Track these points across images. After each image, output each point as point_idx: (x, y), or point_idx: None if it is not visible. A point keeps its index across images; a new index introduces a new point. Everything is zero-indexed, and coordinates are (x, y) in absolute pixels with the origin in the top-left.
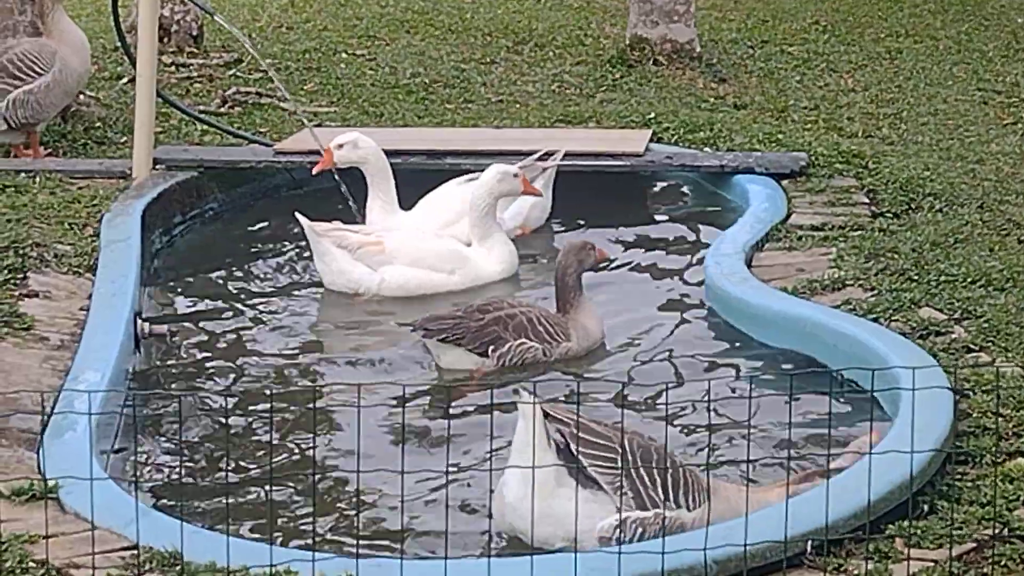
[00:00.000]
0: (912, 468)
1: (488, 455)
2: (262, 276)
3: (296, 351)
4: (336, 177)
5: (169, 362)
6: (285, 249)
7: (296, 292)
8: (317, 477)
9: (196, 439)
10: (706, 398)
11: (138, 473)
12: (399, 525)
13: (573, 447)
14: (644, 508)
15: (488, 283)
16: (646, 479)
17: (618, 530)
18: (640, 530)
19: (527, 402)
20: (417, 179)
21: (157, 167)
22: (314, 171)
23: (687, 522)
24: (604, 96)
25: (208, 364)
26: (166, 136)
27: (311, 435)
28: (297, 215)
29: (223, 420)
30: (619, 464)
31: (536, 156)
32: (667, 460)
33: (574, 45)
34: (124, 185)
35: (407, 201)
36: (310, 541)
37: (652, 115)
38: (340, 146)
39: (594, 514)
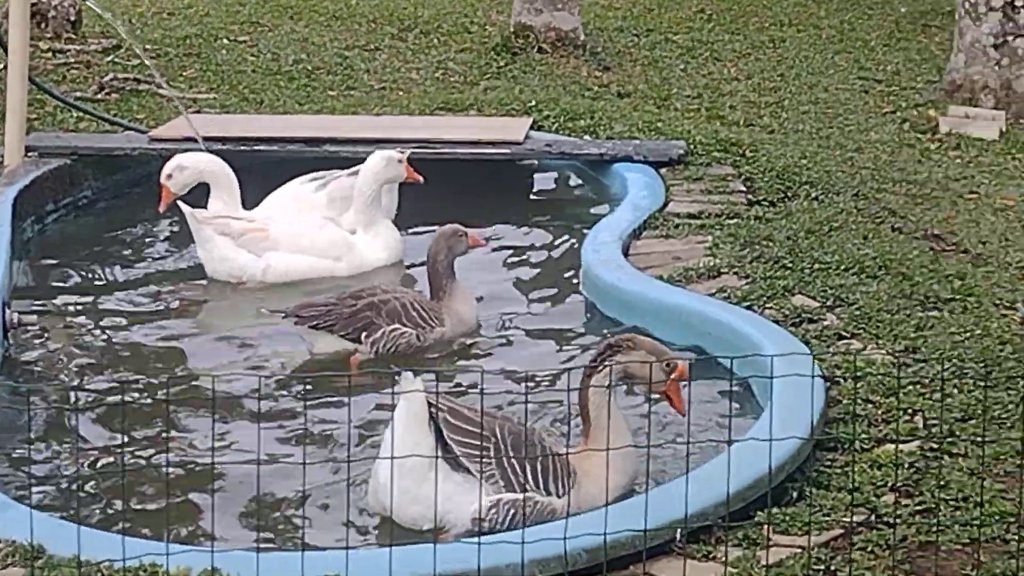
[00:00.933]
0: (773, 457)
1: (352, 439)
2: (139, 265)
3: (171, 341)
4: None
5: (38, 353)
6: (163, 237)
7: (175, 281)
8: (184, 468)
9: (66, 433)
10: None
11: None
12: (263, 517)
13: (445, 432)
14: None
15: (373, 270)
16: (516, 466)
17: (493, 511)
18: (513, 512)
19: (412, 389)
20: (296, 167)
21: (29, 154)
22: (160, 209)
23: (558, 508)
24: (488, 84)
25: (79, 355)
26: (40, 123)
27: (186, 424)
28: (179, 203)
29: (90, 412)
30: (489, 450)
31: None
32: (539, 447)
33: (459, 32)
34: None
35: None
36: (196, 534)
37: (534, 103)
38: (169, 176)
39: (467, 497)
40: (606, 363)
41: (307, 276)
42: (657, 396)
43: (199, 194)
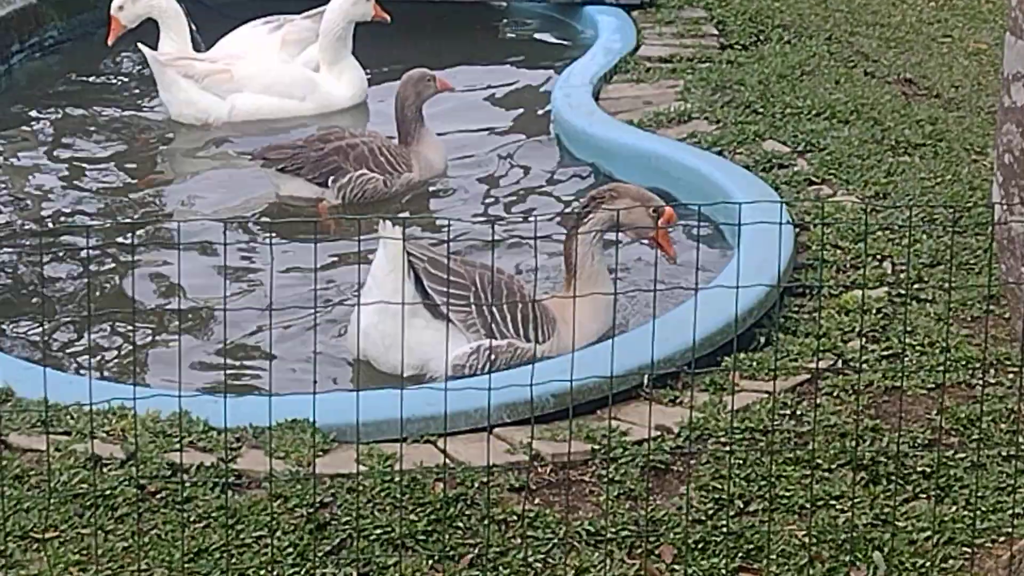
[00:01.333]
0: (740, 303)
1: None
2: (104, 108)
3: (136, 185)
4: None
5: (3, 198)
6: (128, 79)
7: (139, 124)
8: (152, 314)
9: (32, 279)
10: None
11: None
12: (233, 361)
13: (424, 281)
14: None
15: (339, 110)
16: (495, 314)
17: (473, 357)
18: (494, 358)
19: (392, 237)
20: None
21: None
22: (109, 41)
23: (539, 354)
24: None
25: (45, 199)
26: None
27: (152, 270)
28: (140, 45)
29: (56, 260)
30: (468, 299)
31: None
32: (518, 295)
33: None
34: None
35: None
36: (165, 379)
37: None
38: (120, 8)
39: (447, 344)
40: (591, 214)
41: (272, 116)
42: (646, 242)
43: (146, 31)
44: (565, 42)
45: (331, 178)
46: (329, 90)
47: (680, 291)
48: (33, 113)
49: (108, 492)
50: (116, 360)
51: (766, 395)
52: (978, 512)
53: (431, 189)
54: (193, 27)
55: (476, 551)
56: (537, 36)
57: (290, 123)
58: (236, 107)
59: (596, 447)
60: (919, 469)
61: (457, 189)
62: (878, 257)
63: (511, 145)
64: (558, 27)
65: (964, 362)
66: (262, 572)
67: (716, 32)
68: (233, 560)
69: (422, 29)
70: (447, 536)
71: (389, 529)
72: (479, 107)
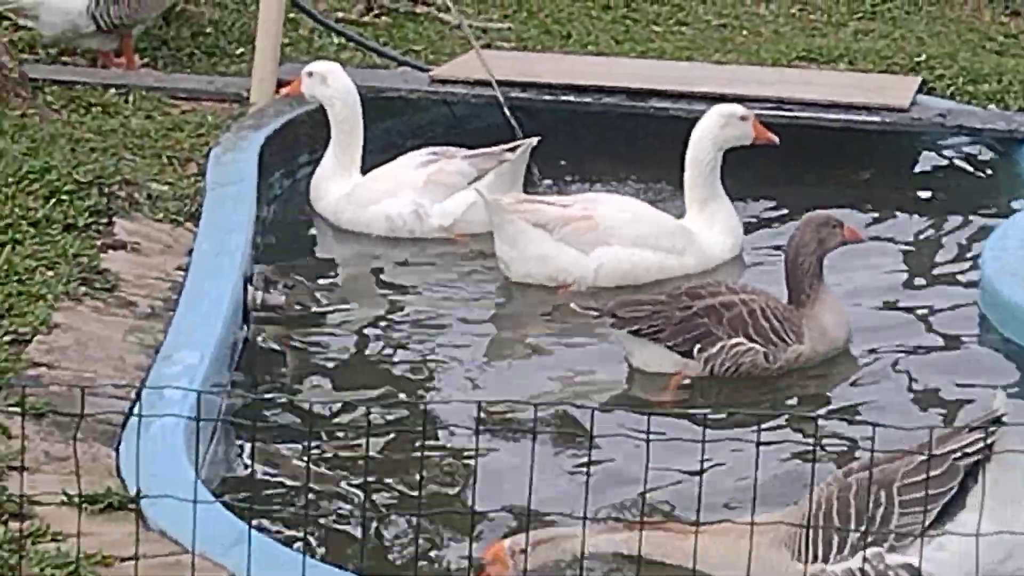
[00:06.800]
0: None
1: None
2: (411, 239)
3: (449, 342)
4: (506, 113)
5: (285, 342)
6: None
7: (453, 261)
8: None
9: (321, 451)
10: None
11: (248, 491)
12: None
13: None
14: None
15: (719, 264)
16: None
17: None
18: None
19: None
20: (607, 125)
21: (281, 91)
22: (281, 92)
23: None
24: (859, 26)
25: (330, 353)
26: (293, 50)
27: (460, 456)
28: (477, 188)
29: (331, 431)
30: None
31: (506, 147)
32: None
33: None
34: (239, 111)
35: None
36: None
37: (922, 57)
38: (310, 74)
39: None
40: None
41: (648, 276)
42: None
43: None
44: (1000, 188)
45: (697, 346)
46: (707, 240)
47: None
48: (322, 238)
49: None
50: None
51: None
52: None
53: (822, 367)
54: (534, 168)
55: None
56: (962, 178)
57: (667, 285)
58: (604, 264)
59: None
60: None
61: (854, 368)
62: None
63: (923, 315)
64: (991, 168)
65: None
66: None
67: None
68: None
69: (812, 162)
70: None
71: None
72: (885, 263)
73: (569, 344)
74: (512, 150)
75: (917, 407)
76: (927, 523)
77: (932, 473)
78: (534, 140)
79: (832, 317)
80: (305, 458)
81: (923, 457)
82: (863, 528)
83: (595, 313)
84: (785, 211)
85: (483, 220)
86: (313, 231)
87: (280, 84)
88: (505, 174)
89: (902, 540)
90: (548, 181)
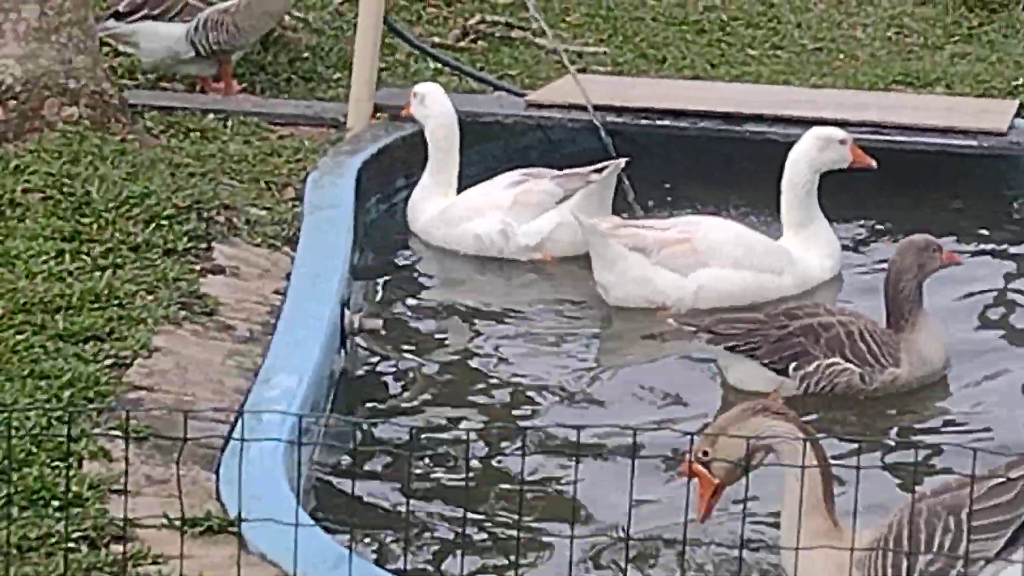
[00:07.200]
0: None
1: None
2: (501, 259)
3: (547, 365)
4: (603, 137)
5: (382, 368)
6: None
7: (548, 282)
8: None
9: (420, 474)
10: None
11: (348, 515)
12: None
13: None
14: None
15: (817, 285)
16: None
17: None
18: None
19: None
20: (703, 149)
21: (378, 115)
22: (404, 113)
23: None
24: (955, 50)
25: (427, 379)
26: (389, 74)
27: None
28: (574, 214)
29: (452, 456)
30: None
31: (593, 168)
32: None
33: None
34: (336, 136)
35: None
36: None
37: (1019, 81)
38: (415, 94)
39: None
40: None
41: (747, 297)
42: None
43: None
44: None
45: (793, 364)
46: (806, 261)
47: None
48: (419, 262)
49: None
50: None
51: None
52: None
53: (918, 392)
54: (631, 192)
55: None
56: None
57: (766, 307)
58: (704, 286)
59: None
60: None
61: (950, 394)
62: None
63: (1011, 343)
64: None
65: None
66: None
67: None
68: None
69: (905, 185)
70: None
71: None
72: (981, 288)
73: (666, 366)
74: (599, 171)
75: (1014, 433)
76: (996, 550)
77: (1002, 499)
78: (621, 161)
79: (930, 342)
80: (405, 481)
81: (995, 482)
82: (931, 554)
83: (693, 329)
84: (882, 233)
85: (570, 241)
86: (409, 254)
87: (376, 109)
88: (592, 195)
89: (971, 567)
90: (645, 205)
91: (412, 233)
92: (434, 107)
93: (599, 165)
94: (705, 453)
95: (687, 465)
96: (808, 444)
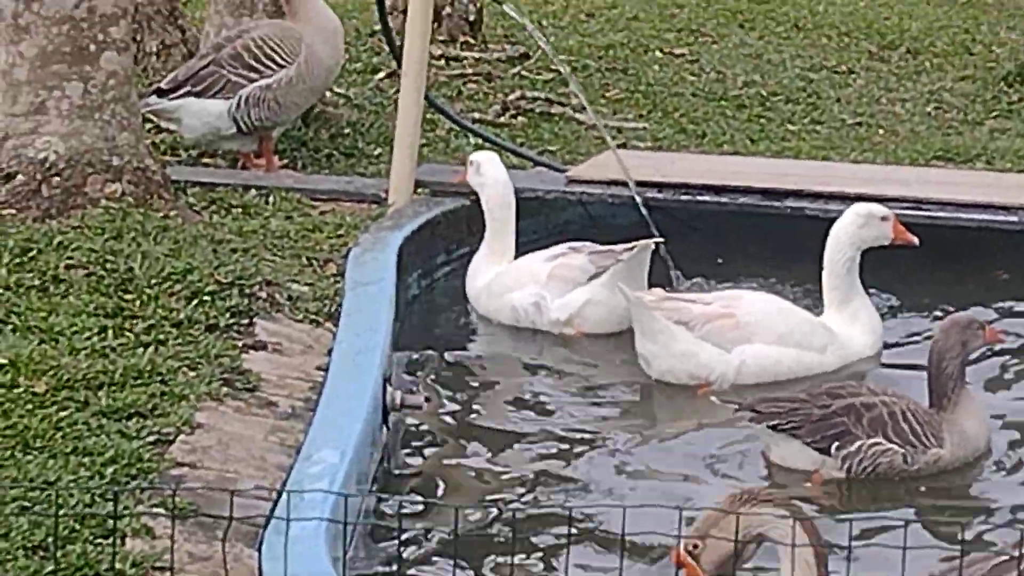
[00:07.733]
0: None
1: None
2: (545, 337)
3: (591, 441)
4: (643, 212)
5: (425, 442)
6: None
7: (591, 357)
8: None
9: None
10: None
11: None
12: None
13: None
14: None
15: (858, 362)
16: None
17: None
18: None
19: None
20: (743, 225)
21: (419, 191)
22: (456, 180)
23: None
24: (995, 125)
25: (477, 451)
26: (430, 150)
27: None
28: (621, 286)
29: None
30: None
31: (625, 247)
32: None
33: (958, 54)
34: (378, 212)
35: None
36: None
37: None
38: (471, 163)
39: None
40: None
41: (789, 374)
42: None
43: None
44: None
45: (835, 444)
46: (848, 338)
47: None
48: (462, 338)
49: None
50: None
51: None
52: None
53: (961, 471)
54: (674, 267)
55: None
56: None
57: (806, 383)
58: (746, 362)
59: None
60: None
61: (992, 475)
62: None
63: None
64: None
65: None
66: None
67: None
68: None
69: (945, 260)
70: None
71: None
72: (1015, 360)
73: (709, 442)
74: (631, 249)
75: None
76: None
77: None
78: (651, 241)
79: (973, 423)
80: (451, 563)
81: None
82: None
83: (735, 407)
84: (923, 310)
85: (600, 318)
86: (451, 330)
87: (418, 184)
88: (622, 272)
89: None
90: (690, 280)
91: (466, 300)
92: (489, 175)
93: (630, 244)
94: (695, 546)
95: (675, 554)
96: (799, 524)
